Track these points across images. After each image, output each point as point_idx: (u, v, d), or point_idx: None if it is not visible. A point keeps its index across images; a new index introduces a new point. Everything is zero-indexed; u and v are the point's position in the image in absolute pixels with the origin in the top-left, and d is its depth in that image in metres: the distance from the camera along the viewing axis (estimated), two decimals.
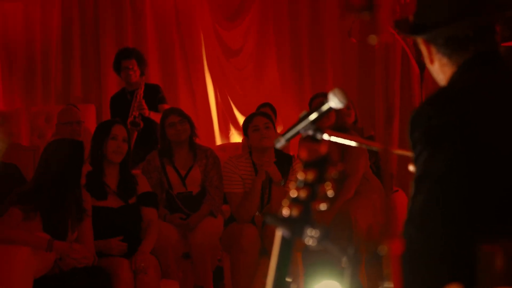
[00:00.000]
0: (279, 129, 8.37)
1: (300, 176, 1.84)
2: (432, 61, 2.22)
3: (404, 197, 6.29)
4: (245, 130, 5.64)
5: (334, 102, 2.19)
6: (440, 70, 2.21)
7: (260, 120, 5.54)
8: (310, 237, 1.82)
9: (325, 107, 2.21)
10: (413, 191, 2.02)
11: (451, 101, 2.04)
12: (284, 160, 5.56)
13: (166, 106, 7.04)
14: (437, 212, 1.95)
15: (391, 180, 1.99)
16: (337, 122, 5.91)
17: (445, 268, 1.91)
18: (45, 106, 8.85)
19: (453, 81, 2.16)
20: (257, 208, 5.48)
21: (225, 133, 9.30)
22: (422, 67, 7.30)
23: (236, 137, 9.12)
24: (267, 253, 5.32)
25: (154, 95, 7.29)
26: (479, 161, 1.97)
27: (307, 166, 1.84)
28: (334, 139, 2.52)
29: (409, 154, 2.16)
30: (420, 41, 2.22)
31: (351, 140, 2.76)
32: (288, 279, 1.90)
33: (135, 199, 5.16)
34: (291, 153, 6.26)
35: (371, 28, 1.58)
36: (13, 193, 4.63)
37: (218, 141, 9.19)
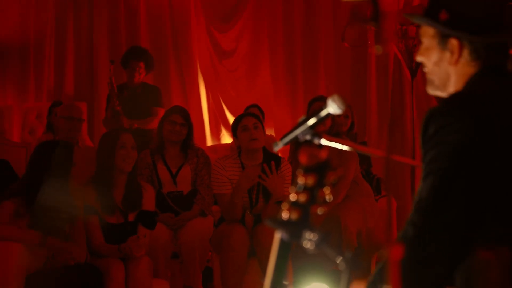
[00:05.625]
0: (269, 131, 8.40)
1: (300, 180, 1.87)
2: (456, 62, 2.27)
3: (393, 202, 6.32)
4: (234, 130, 5.64)
5: (332, 108, 2.22)
6: (458, 72, 2.28)
7: (249, 120, 5.55)
8: (309, 240, 1.85)
9: (323, 113, 2.23)
10: (420, 187, 2.09)
11: (473, 104, 2.13)
12: (272, 161, 5.57)
13: (161, 110, 7.09)
14: (441, 209, 2.02)
15: (389, 185, 2.00)
16: (331, 128, 5.94)
17: (443, 268, 1.98)
18: (37, 103, 8.85)
19: (472, 85, 2.24)
20: (243, 206, 5.50)
21: (216, 134, 9.33)
22: (414, 73, 7.34)
23: (227, 139, 9.15)
24: (256, 254, 5.36)
25: (151, 96, 7.36)
26: (490, 162, 2.04)
27: (307, 170, 1.87)
28: (331, 144, 2.55)
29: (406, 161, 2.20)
30: (453, 40, 2.26)
31: (347, 145, 2.79)
32: (285, 282, 1.93)
33: (135, 215, 5.14)
34: (280, 155, 6.27)
35: (370, 37, 1.61)
36: (5, 190, 4.67)
37: (209, 142, 9.22)
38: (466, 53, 2.25)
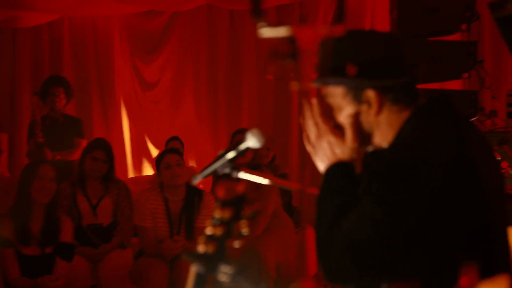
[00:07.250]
0: (191, 163, 8.41)
1: (217, 214, 1.89)
2: (378, 113, 2.14)
3: (310, 235, 6.34)
4: (157, 166, 5.66)
5: (252, 141, 2.24)
6: (387, 120, 2.16)
7: (171, 157, 5.57)
8: (224, 273, 1.87)
9: (242, 146, 2.25)
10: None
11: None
12: (194, 195, 5.59)
13: (83, 141, 7.04)
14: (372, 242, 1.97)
15: (301, 218, 2.01)
16: (252, 160, 5.96)
17: None
18: None
19: (412, 125, 2.11)
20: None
21: (137, 165, 9.29)
22: None
23: (148, 170, 9.12)
24: (175, 287, 5.33)
25: (73, 128, 7.30)
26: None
27: (224, 204, 1.89)
28: (249, 177, 2.56)
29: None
30: (371, 92, 2.12)
31: (266, 179, 2.81)
32: None
33: (52, 248, 5.05)
34: (202, 188, 6.29)
35: (291, 73, 1.63)
36: None
37: (131, 173, 9.17)
38: (386, 100, 2.13)
